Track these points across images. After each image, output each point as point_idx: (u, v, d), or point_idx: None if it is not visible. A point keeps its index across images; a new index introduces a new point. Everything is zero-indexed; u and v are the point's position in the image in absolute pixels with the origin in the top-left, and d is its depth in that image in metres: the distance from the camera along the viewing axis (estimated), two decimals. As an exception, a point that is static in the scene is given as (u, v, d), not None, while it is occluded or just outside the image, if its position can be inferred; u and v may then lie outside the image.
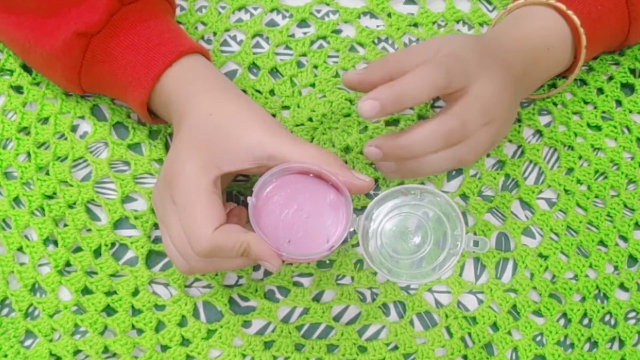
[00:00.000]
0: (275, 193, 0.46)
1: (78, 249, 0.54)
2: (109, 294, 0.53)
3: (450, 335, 0.53)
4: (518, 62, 0.51)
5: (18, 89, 0.58)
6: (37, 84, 0.58)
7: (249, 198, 0.45)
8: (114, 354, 0.52)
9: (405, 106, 0.46)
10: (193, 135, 0.47)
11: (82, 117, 0.57)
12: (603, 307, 0.54)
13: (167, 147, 0.57)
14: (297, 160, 0.46)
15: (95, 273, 0.53)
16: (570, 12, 0.53)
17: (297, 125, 0.58)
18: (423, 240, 0.46)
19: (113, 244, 0.54)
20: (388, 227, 0.47)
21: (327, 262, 0.54)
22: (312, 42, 0.61)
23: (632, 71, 0.61)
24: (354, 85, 0.50)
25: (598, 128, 0.59)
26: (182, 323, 0.53)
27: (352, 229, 0.46)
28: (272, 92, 0.59)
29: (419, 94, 0.45)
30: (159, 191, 0.48)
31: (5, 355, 0.51)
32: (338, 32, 0.61)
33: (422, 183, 0.57)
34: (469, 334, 0.53)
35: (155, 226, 0.54)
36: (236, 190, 0.56)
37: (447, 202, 0.46)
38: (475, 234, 0.55)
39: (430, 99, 0.47)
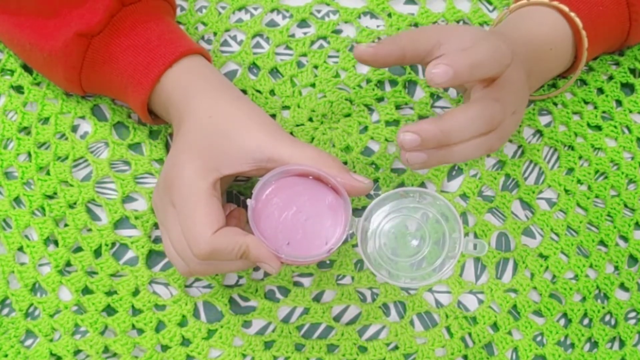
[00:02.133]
0: (275, 195, 0.46)
1: (78, 249, 0.54)
2: (109, 293, 0.53)
3: (451, 335, 0.53)
4: (524, 60, 0.51)
5: (19, 89, 0.58)
6: (38, 84, 0.58)
7: (248, 200, 0.45)
8: (115, 354, 0.52)
9: (476, 78, 0.44)
10: (192, 138, 0.47)
11: (83, 117, 0.57)
12: (603, 307, 0.54)
13: (167, 147, 0.57)
14: (296, 162, 0.46)
15: (96, 273, 0.53)
16: (572, 14, 0.53)
17: (298, 126, 0.58)
18: (422, 242, 0.46)
19: (113, 244, 0.54)
20: (387, 229, 0.46)
21: (328, 262, 0.54)
22: (313, 42, 0.61)
23: (632, 71, 0.61)
24: (366, 58, 0.48)
25: (598, 128, 0.59)
26: (182, 323, 0.53)
27: (351, 231, 0.46)
28: (272, 92, 0.59)
29: (490, 68, 0.44)
30: (159, 194, 0.48)
31: (6, 355, 0.51)
32: (338, 32, 0.61)
33: (422, 184, 0.57)
34: (469, 334, 0.53)
35: (156, 226, 0.54)
36: (236, 190, 0.56)
37: (445, 205, 0.46)
38: (476, 235, 0.55)
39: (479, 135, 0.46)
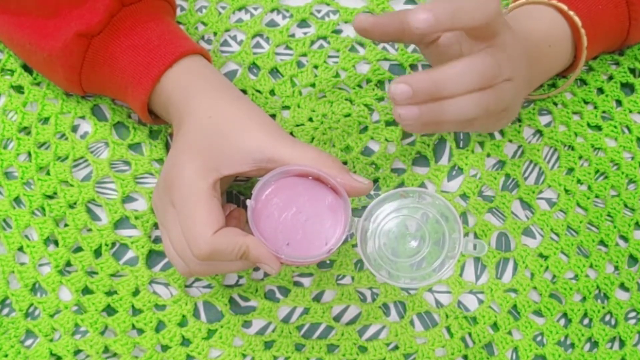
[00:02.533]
0: (274, 196, 0.46)
1: (78, 249, 0.54)
2: (109, 293, 0.53)
3: (451, 335, 0.53)
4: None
5: (19, 89, 0.58)
6: (38, 84, 0.58)
7: (248, 201, 0.45)
8: (115, 354, 0.52)
9: (455, 27, 0.43)
10: (192, 138, 0.47)
11: (83, 117, 0.57)
12: (603, 307, 0.54)
13: (167, 147, 0.57)
14: (296, 162, 0.46)
15: (96, 273, 0.53)
16: (571, 13, 0.53)
17: (298, 126, 0.58)
18: (421, 243, 0.46)
19: (113, 244, 0.54)
20: (386, 230, 0.46)
21: (328, 262, 0.54)
22: (313, 42, 0.61)
23: (632, 71, 0.61)
24: (366, 26, 0.47)
25: (598, 128, 0.59)
26: (182, 323, 0.53)
27: (350, 232, 0.46)
28: (272, 92, 0.59)
29: (472, 19, 0.43)
30: (159, 194, 0.48)
31: (6, 355, 0.51)
32: (338, 32, 0.61)
33: (422, 184, 0.57)
34: (470, 334, 0.53)
35: (156, 226, 0.54)
36: (236, 190, 0.56)
37: (445, 205, 0.46)
38: (476, 235, 0.55)
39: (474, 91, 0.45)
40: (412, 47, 0.61)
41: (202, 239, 0.44)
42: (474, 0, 0.43)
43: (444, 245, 0.46)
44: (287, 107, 0.58)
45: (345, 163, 0.57)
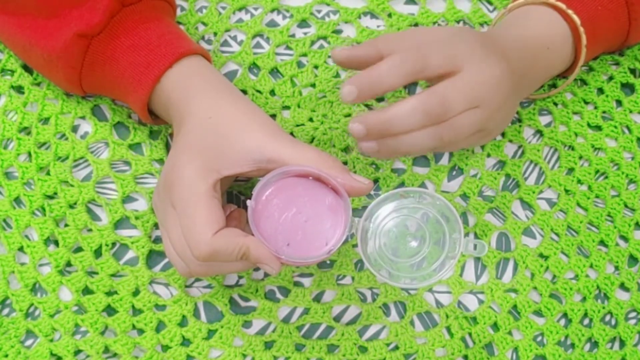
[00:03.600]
0: (275, 196, 0.46)
1: (79, 249, 0.54)
2: (109, 294, 0.53)
3: (451, 335, 0.53)
4: (517, 60, 0.51)
5: (19, 89, 0.58)
6: (38, 85, 0.58)
7: (248, 201, 0.45)
8: (115, 354, 0.52)
9: (382, 90, 0.47)
10: (192, 139, 0.47)
11: (83, 117, 0.57)
12: (604, 307, 0.54)
13: (167, 147, 0.57)
14: (296, 163, 0.46)
15: (96, 273, 0.53)
16: (570, 12, 0.53)
17: (298, 126, 0.58)
18: (422, 243, 0.46)
19: (114, 244, 0.54)
20: (387, 230, 0.47)
21: (328, 262, 0.54)
22: (313, 42, 0.61)
23: (632, 71, 0.61)
24: (341, 60, 0.50)
25: (598, 128, 0.59)
26: (182, 323, 0.53)
27: (351, 232, 0.46)
28: (272, 92, 0.59)
29: (394, 79, 0.46)
30: (159, 195, 0.48)
31: (6, 355, 0.51)
32: (338, 32, 0.61)
33: (423, 184, 0.57)
34: (470, 334, 0.53)
35: (156, 226, 0.54)
36: (237, 190, 0.56)
37: (445, 206, 0.46)
38: (476, 235, 0.55)
39: (407, 83, 0.47)
40: (412, 47, 0.61)
41: (202, 240, 0.44)
42: (392, 66, 0.47)
43: (445, 245, 0.46)
44: (287, 107, 0.58)
45: (345, 163, 0.57)
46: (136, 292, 0.53)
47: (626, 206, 0.56)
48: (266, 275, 0.54)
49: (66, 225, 0.54)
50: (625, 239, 0.56)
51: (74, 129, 0.57)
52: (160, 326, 0.52)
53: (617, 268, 0.55)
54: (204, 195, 0.45)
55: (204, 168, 0.46)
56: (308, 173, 0.46)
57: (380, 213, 0.47)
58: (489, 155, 0.58)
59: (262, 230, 0.46)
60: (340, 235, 0.46)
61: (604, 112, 0.59)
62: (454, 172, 0.57)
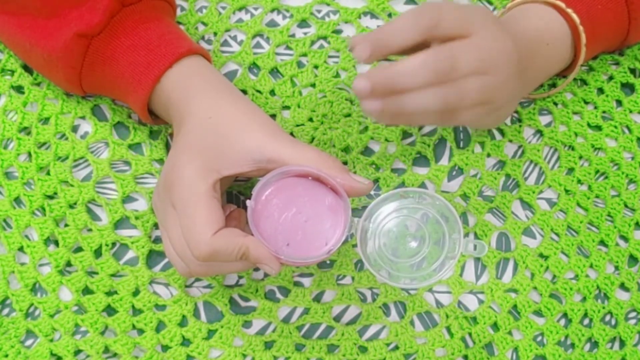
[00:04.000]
0: (274, 196, 0.46)
1: (79, 249, 0.54)
2: (109, 294, 0.53)
3: (451, 335, 0.53)
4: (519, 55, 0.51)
5: (19, 89, 0.58)
6: (38, 84, 0.58)
7: (247, 202, 0.45)
8: (115, 354, 0.52)
9: (396, 45, 0.45)
10: (192, 139, 0.47)
11: (83, 117, 0.57)
12: (604, 307, 0.54)
13: (167, 147, 0.57)
14: (296, 163, 0.46)
15: (96, 273, 0.53)
16: (569, 10, 0.53)
17: (298, 126, 0.58)
18: (422, 243, 0.46)
19: (114, 244, 0.54)
20: (386, 230, 0.47)
21: (328, 262, 0.54)
22: (313, 42, 0.61)
23: (632, 71, 0.60)
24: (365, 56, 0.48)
25: (598, 128, 0.59)
26: (182, 323, 0.53)
27: (350, 232, 0.46)
28: (272, 92, 0.59)
29: (408, 33, 0.45)
30: (159, 195, 0.48)
31: (6, 355, 0.51)
32: (338, 32, 0.61)
33: (423, 184, 0.57)
34: (470, 334, 0.53)
35: (156, 226, 0.54)
36: (236, 190, 0.56)
37: (445, 206, 0.46)
38: (476, 235, 0.55)
39: (420, 39, 0.46)
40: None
41: (202, 240, 0.44)
42: (402, 21, 0.46)
43: (444, 245, 0.46)
44: (287, 107, 0.58)
45: (345, 163, 0.57)
46: (136, 292, 0.53)
47: (626, 206, 0.56)
48: (266, 275, 0.54)
49: (66, 225, 0.54)
50: (625, 239, 0.56)
51: (74, 128, 0.57)
52: (160, 326, 0.52)
53: (617, 268, 0.55)
54: (204, 195, 0.45)
55: (204, 168, 0.46)
56: (308, 173, 0.46)
57: (380, 213, 0.47)
58: (489, 155, 0.58)
59: (261, 230, 0.46)
60: (340, 235, 0.46)
61: (604, 112, 0.59)
62: (454, 172, 0.57)
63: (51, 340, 0.52)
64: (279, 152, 0.46)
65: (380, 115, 0.47)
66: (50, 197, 0.55)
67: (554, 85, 0.59)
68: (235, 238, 0.44)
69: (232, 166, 0.46)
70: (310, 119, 0.58)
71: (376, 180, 0.56)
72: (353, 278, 0.54)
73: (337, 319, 0.53)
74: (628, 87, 0.60)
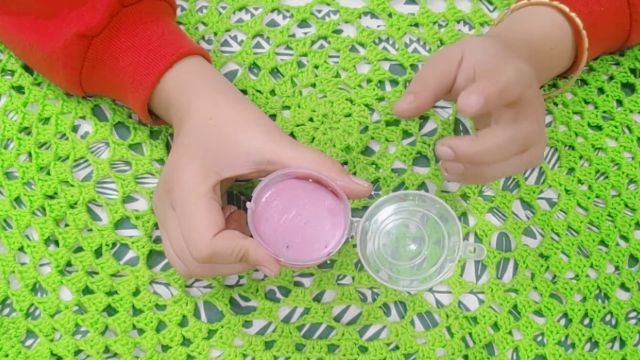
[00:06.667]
0: (274, 198, 0.46)
1: (79, 249, 0.54)
2: (109, 293, 0.53)
3: (451, 335, 0.53)
4: (525, 59, 0.51)
5: (19, 89, 0.58)
6: (39, 85, 0.58)
7: (247, 204, 0.45)
8: (115, 354, 0.52)
9: (504, 102, 0.44)
10: (192, 140, 0.47)
11: (83, 117, 0.57)
12: (604, 307, 0.54)
13: (168, 147, 0.57)
14: (296, 164, 0.46)
15: (96, 273, 0.53)
16: (573, 15, 0.53)
17: (298, 126, 0.58)
18: (421, 244, 0.46)
19: (114, 244, 0.54)
20: (386, 232, 0.47)
21: (328, 262, 0.54)
22: (313, 42, 0.61)
23: (633, 71, 0.60)
24: (406, 115, 0.48)
25: (599, 128, 0.59)
26: (183, 323, 0.53)
27: (350, 235, 0.46)
28: (272, 92, 0.59)
29: (514, 94, 0.44)
30: (159, 197, 0.48)
31: (7, 355, 0.51)
32: (339, 32, 0.61)
33: (423, 184, 0.57)
34: (470, 334, 0.53)
35: (156, 226, 0.54)
36: (237, 190, 0.56)
37: (444, 209, 0.46)
38: (476, 235, 0.55)
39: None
40: (412, 47, 0.61)
41: (202, 241, 0.44)
42: (515, 75, 0.44)
43: (444, 247, 0.46)
44: (287, 107, 0.58)
45: (345, 163, 0.57)
46: (136, 292, 0.53)
47: (626, 206, 0.56)
48: (266, 275, 0.54)
49: (66, 225, 0.54)
50: (625, 238, 0.56)
51: (75, 129, 0.57)
52: (160, 326, 0.52)
53: (617, 268, 0.55)
54: (204, 197, 0.45)
55: (204, 170, 0.46)
56: (308, 175, 0.46)
57: (380, 215, 0.47)
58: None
59: (261, 233, 0.46)
60: (339, 237, 0.46)
61: (604, 112, 0.59)
62: (454, 172, 0.57)
63: (51, 340, 0.52)
64: (279, 154, 0.46)
65: (459, 179, 0.47)
66: (51, 197, 0.55)
67: (554, 86, 0.59)
68: (235, 240, 0.44)
69: (232, 168, 0.46)
70: (311, 119, 0.58)
71: (376, 180, 0.56)
72: (353, 278, 0.54)
73: (338, 319, 0.53)
74: (628, 87, 0.60)
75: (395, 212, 0.47)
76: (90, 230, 0.54)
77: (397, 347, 0.52)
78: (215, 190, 0.46)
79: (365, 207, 0.47)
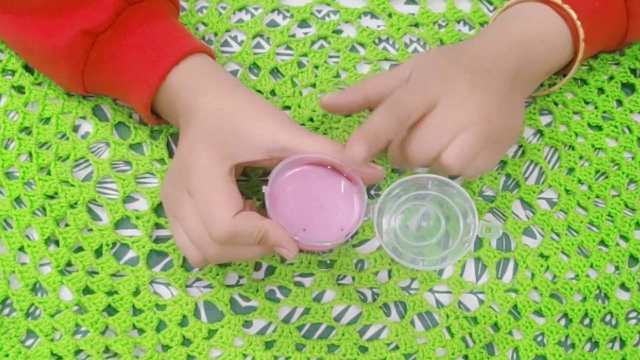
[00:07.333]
0: (289, 184, 0.47)
1: (79, 249, 0.54)
2: (110, 293, 0.53)
3: (451, 335, 0.53)
4: (511, 57, 0.51)
5: (20, 89, 0.58)
6: (39, 84, 0.58)
7: (264, 187, 0.45)
8: (115, 354, 0.52)
9: (383, 144, 0.46)
10: (206, 128, 0.48)
11: (84, 117, 0.58)
12: (604, 307, 0.54)
13: (168, 147, 0.57)
14: (309, 151, 0.46)
15: (97, 273, 0.53)
16: (566, 6, 0.53)
17: (298, 126, 0.58)
18: (436, 226, 0.47)
19: (114, 244, 0.54)
20: (401, 215, 0.47)
21: (328, 262, 0.54)
22: (313, 43, 0.61)
23: (633, 71, 0.61)
24: (330, 106, 0.50)
25: (599, 128, 0.59)
26: (183, 323, 0.53)
27: (366, 218, 0.46)
28: (273, 93, 0.59)
29: (389, 131, 0.46)
30: (172, 184, 0.48)
31: (7, 355, 0.51)
32: (339, 32, 0.61)
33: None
34: (470, 334, 0.53)
35: (156, 226, 0.54)
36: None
37: (459, 191, 0.46)
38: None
39: (400, 131, 0.47)
40: (412, 47, 0.61)
41: (222, 222, 0.44)
42: (384, 120, 0.46)
43: (459, 228, 0.46)
44: (287, 107, 0.59)
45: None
46: (137, 292, 0.53)
47: (626, 206, 0.56)
48: (267, 274, 0.54)
49: (67, 225, 0.54)
50: (625, 238, 0.56)
51: (75, 128, 0.57)
52: (160, 326, 0.52)
53: (617, 268, 0.55)
54: (222, 180, 0.45)
55: (220, 154, 0.46)
56: (322, 160, 0.47)
57: (395, 199, 0.47)
58: (489, 155, 0.57)
59: (278, 217, 0.46)
60: (356, 220, 0.46)
61: (604, 112, 0.59)
62: (455, 172, 0.57)
63: (51, 340, 0.52)
64: (293, 141, 0.46)
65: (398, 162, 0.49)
66: (51, 197, 0.55)
67: (554, 85, 0.59)
68: (255, 221, 0.44)
69: (246, 154, 0.46)
70: (311, 119, 0.58)
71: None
72: (353, 278, 0.54)
73: (338, 319, 0.53)
74: (628, 87, 0.60)
75: (410, 195, 0.47)
76: (91, 230, 0.54)
77: (397, 347, 0.52)
78: (231, 173, 0.46)
79: (377, 195, 0.47)
